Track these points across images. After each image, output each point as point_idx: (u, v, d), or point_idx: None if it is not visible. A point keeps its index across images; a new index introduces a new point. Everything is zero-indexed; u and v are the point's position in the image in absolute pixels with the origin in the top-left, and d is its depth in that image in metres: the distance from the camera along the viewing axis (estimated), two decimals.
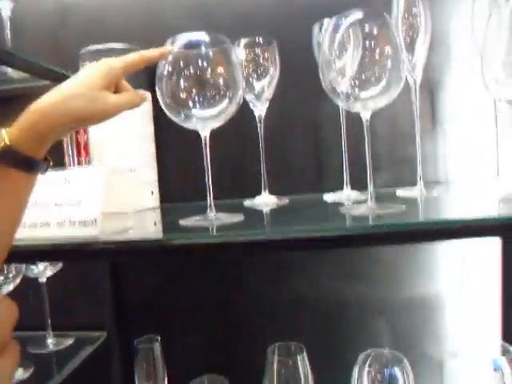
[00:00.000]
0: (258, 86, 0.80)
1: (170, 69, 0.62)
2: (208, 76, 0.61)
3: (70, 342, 0.93)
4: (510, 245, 0.87)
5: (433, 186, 0.85)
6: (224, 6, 0.92)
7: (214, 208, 0.63)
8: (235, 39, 0.78)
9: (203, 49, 0.62)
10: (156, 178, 0.87)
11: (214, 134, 0.64)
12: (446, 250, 0.92)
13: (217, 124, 0.63)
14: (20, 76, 0.86)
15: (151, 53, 0.62)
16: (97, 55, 0.81)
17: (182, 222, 0.62)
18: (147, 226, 0.71)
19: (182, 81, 0.62)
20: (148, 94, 0.85)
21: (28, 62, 0.75)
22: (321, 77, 0.64)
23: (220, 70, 0.62)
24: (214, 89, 0.62)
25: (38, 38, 0.92)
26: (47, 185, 0.60)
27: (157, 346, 0.86)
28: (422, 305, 0.93)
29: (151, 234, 0.61)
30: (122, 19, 0.94)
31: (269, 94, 0.80)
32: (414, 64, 0.78)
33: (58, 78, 0.87)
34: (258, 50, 0.79)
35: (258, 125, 0.81)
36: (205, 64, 0.61)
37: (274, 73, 0.80)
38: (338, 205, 0.76)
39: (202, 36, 0.62)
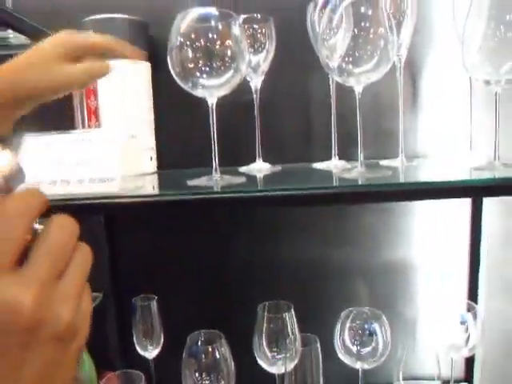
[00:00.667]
0: (254, 59, 0.85)
1: (181, 40, 0.66)
2: (216, 48, 0.66)
3: None
4: (478, 212, 0.97)
5: (412, 158, 0.92)
6: None
7: (218, 171, 0.69)
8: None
9: (212, 22, 0.66)
10: (154, 144, 0.91)
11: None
12: (420, 217, 1.01)
13: (222, 92, 0.68)
14: (19, 42, 0.88)
15: (125, 49, 0.63)
16: (99, 24, 0.85)
17: (190, 183, 0.67)
18: (156, 186, 0.76)
19: (191, 52, 0.66)
20: (147, 64, 0.89)
21: (36, 28, 0.78)
22: (318, 53, 0.70)
23: (227, 42, 0.66)
24: (220, 60, 0.66)
25: (38, 4, 0.93)
26: (67, 144, 0.64)
27: (154, 304, 0.91)
28: (398, 267, 1.02)
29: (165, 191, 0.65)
30: None
31: (265, 67, 0.85)
32: (399, 44, 0.85)
33: None
34: (255, 26, 0.84)
35: (254, 96, 0.86)
36: (213, 36, 0.66)
37: (270, 48, 0.85)
38: (328, 172, 0.83)
39: (211, 10, 0.66)
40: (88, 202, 0.60)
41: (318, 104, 0.97)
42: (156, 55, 0.89)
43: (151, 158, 0.89)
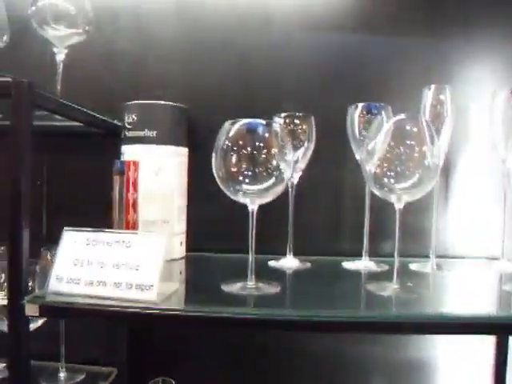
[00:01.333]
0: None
1: (229, 144, 0.66)
2: (261, 156, 0.66)
3: (81, 376, 0.96)
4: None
5: (442, 260, 0.91)
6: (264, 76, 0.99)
7: (253, 279, 0.68)
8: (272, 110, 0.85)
9: (260, 131, 0.67)
10: (185, 229, 0.91)
11: None
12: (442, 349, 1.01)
13: (264, 200, 0.69)
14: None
15: None
16: (141, 109, 0.87)
17: (225, 289, 0.67)
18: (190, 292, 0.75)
19: (236, 157, 0.66)
20: (185, 150, 0.90)
21: (83, 112, 0.79)
22: (362, 165, 0.71)
23: (272, 151, 0.67)
24: (264, 168, 0.67)
25: (83, 83, 0.95)
26: (106, 246, 0.64)
27: None
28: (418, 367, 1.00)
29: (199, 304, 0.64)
30: (165, 76, 0.99)
31: (302, 164, 0.86)
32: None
33: (107, 127, 0.91)
34: (296, 122, 0.85)
35: (290, 190, 0.87)
36: (260, 145, 0.66)
37: (310, 145, 0.86)
38: (358, 274, 0.82)
39: (259, 121, 0.67)
40: (115, 309, 0.60)
41: (351, 200, 0.97)
42: (193, 139, 0.91)
43: (181, 243, 0.89)
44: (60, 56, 0.90)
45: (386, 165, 0.70)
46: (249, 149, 0.66)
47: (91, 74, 0.98)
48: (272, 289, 0.68)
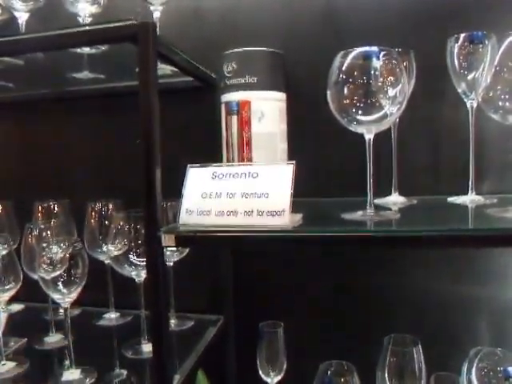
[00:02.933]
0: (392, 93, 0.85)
1: (343, 76, 0.67)
2: (377, 85, 0.67)
3: (191, 323, 1.00)
4: None
5: None
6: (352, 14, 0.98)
7: (373, 205, 0.69)
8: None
9: (374, 60, 0.67)
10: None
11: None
12: None
13: (381, 128, 0.69)
14: (162, 73, 0.92)
15: None
16: (240, 57, 0.88)
17: (345, 216, 0.68)
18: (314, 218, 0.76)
19: (351, 88, 0.67)
20: (283, 95, 0.91)
21: (186, 60, 0.82)
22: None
23: (388, 80, 0.67)
24: (381, 97, 0.67)
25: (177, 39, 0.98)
26: (232, 178, 0.66)
27: (280, 332, 0.92)
28: None
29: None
30: (256, 23, 1.00)
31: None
32: None
33: (205, 78, 0.94)
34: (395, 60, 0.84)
35: (392, 128, 0.87)
36: (375, 74, 0.67)
37: (410, 81, 0.85)
38: (464, 207, 0.81)
39: (373, 49, 0.67)
40: (251, 234, 0.62)
41: (454, 137, 0.96)
42: (290, 86, 0.92)
43: None
44: (156, 13, 0.93)
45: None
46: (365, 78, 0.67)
47: (184, 30, 1.01)
48: (392, 215, 0.69)
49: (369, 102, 0.67)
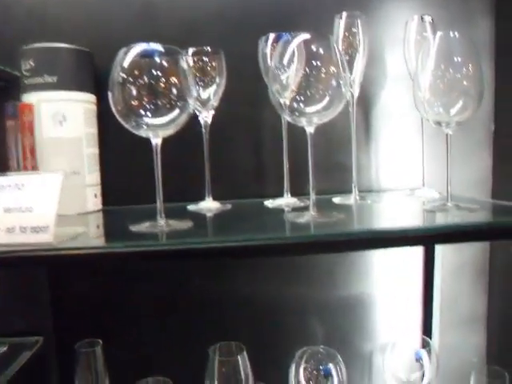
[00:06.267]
0: (204, 94, 0.82)
1: (124, 76, 0.62)
2: (161, 85, 0.62)
3: (3, 349, 0.90)
4: (431, 248, 0.96)
5: (366, 194, 0.92)
6: (171, 13, 0.93)
7: (163, 215, 0.65)
8: (182, 48, 0.80)
9: (157, 58, 0.63)
10: (99, 180, 0.86)
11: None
12: (375, 254, 1.00)
13: (168, 132, 0.65)
14: None
15: None
16: (41, 53, 0.80)
17: (133, 228, 0.63)
18: (97, 231, 0.71)
19: (134, 89, 0.62)
20: (93, 97, 0.85)
21: None
22: (269, 91, 0.68)
23: (172, 79, 0.63)
24: (165, 98, 0.63)
25: None
26: None
27: (98, 350, 0.85)
28: (354, 304, 1.00)
29: (103, 241, 0.61)
30: (66, 20, 0.92)
31: (214, 101, 0.82)
32: (352, 80, 0.84)
33: (8, 77, 0.84)
34: (205, 59, 0.81)
35: (203, 131, 0.83)
36: (158, 73, 0.62)
37: (221, 81, 0.82)
38: (279, 211, 0.80)
39: (155, 46, 0.63)
40: (20, 254, 0.55)
41: (269, 138, 0.95)
42: (102, 87, 0.85)
43: (95, 195, 0.84)
44: None
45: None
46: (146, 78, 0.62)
47: None
48: (184, 224, 0.65)
49: (155, 103, 0.63)
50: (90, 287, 0.94)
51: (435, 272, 0.96)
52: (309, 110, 0.66)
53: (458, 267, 1.02)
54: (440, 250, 0.96)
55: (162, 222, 0.64)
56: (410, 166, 0.97)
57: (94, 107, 0.84)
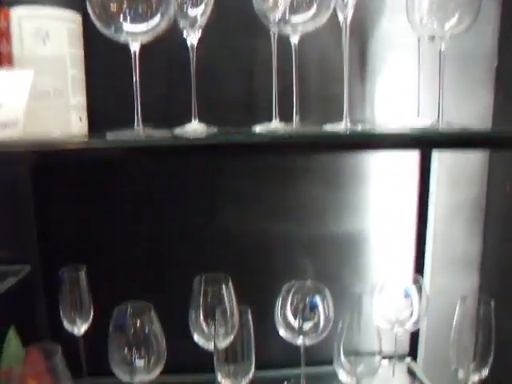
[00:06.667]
0: (191, 13, 0.79)
1: None
2: None
3: None
4: (425, 184, 0.94)
5: (358, 123, 0.89)
6: None
7: (141, 122, 0.63)
8: None
9: None
10: (85, 105, 0.84)
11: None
12: (367, 190, 0.98)
13: (146, 38, 0.63)
14: None
15: None
16: None
17: (109, 136, 0.62)
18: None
19: None
20: (76, 15, 0.82)
21: None
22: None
23: None
24: (146, 3, 0.61)
25: None
26: None
27: (82, 275, 0.85)
28: (344, 240, 0.98)
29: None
30: None
31: (202, 22, 0.80)
32: (345, 2, 0.81)
33: None
34: None
35: (190, 53, 0.81)
36: None
37: (209, 1, 0.79)
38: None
39: None
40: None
41: (259, 63, 0.92)
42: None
43: (80, 119, 0.83)
44: None
45: None
46: None
47: None
48: (164, 132, 0.64)
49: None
50: (75, 213, 0.94)
51: (429, 209, 0.94)
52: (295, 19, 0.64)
53: (454, 209, 0.99)
54: (435, 186, 0.94)
55: (139, 129, 0.63)
56: (405, 98, 0.94)
57: (79, 27, 0.82)
